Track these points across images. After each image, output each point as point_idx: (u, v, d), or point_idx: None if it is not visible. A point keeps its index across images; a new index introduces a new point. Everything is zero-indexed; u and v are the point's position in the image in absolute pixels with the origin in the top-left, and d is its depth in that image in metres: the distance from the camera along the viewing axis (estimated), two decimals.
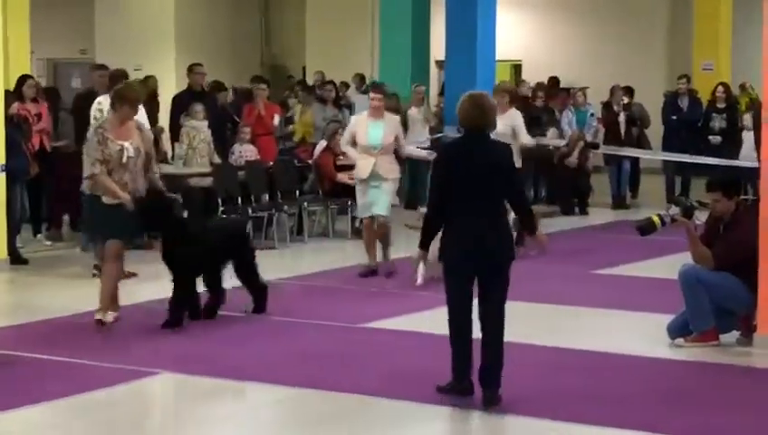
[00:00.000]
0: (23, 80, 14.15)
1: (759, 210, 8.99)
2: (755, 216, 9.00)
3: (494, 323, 7.42)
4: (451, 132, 18.86)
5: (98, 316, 9.42)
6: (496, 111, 7.77)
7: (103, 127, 9.48)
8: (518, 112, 13.22)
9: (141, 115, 11.15)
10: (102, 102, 11.60)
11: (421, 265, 10.79)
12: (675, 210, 9.03)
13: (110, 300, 9.54)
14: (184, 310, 9.53)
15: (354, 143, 11.87)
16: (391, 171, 11.81)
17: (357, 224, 13.15)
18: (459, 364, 7.47)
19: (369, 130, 11.72)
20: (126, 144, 9.41)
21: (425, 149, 14.29)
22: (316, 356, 8.74)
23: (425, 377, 7.93)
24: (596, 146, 18.65)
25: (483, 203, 7.38)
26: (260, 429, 7.22)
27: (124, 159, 9.38)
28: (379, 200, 11.76)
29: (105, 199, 9.40)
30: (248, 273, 10.07)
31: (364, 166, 11.72)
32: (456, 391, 7.47)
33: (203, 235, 9.77)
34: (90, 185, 9.50)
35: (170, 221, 9.56)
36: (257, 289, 10.12)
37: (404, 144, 12.19)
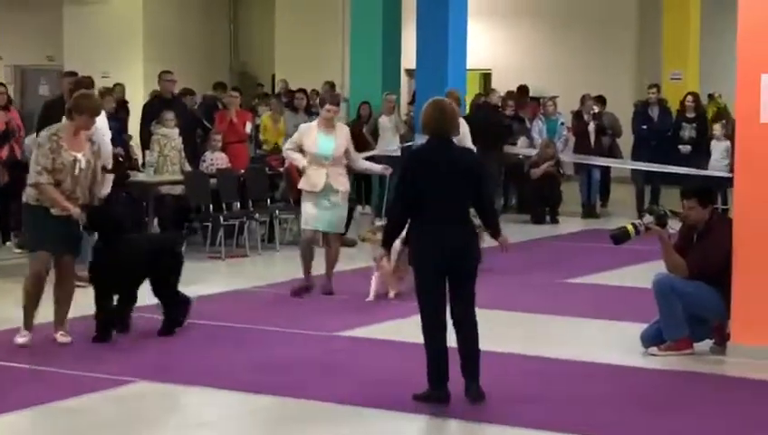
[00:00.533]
0: None
1: (732, 220, 9.08)
2: (729, 225, 9.08)
3: (467, 317, 7.51)
4: (421, 140, 18.94)
5: (63, 338, 9.14)
6: (458, 115, 7.83)
7: (58, 135, 9.03)
8: (463, 121, 13.13)
9: (102, 122, 11.15)
10: None
11: (374, 280, 11.04)
12: (649, 219, 9.08)
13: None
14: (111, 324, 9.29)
15: (300, 151, 11.58)
16: (342, 183, 11.56)
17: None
18: (435, 371, 7.50)
19: (319, 141, 11.42)
20: (79, 156, 9.01)
21: (390, 158, 14.14)
22: (290, 364, 8.73)
23: (399, 385, 7.96)
24: (561, 174, 18.77)
25: (450, 207, 7.48)
26: None
27: (77, 172, 8.99)
28: (332, 217, 11.50)
29: (54, 211, 8.97)
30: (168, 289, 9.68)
31: (317, 177, 11.38)
32: (433, 399, 7.49)
33: (134, 249, 9.40)
34: (35, 195, 9.02)
35: (112, 233, 9.19)
36: (176, 304, 9.71)
37: (356, 157, 11.94)
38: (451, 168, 7.51)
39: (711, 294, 8.97)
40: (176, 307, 9.64)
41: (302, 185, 11.67)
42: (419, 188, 7.46)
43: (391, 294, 11.23)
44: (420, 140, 18.64)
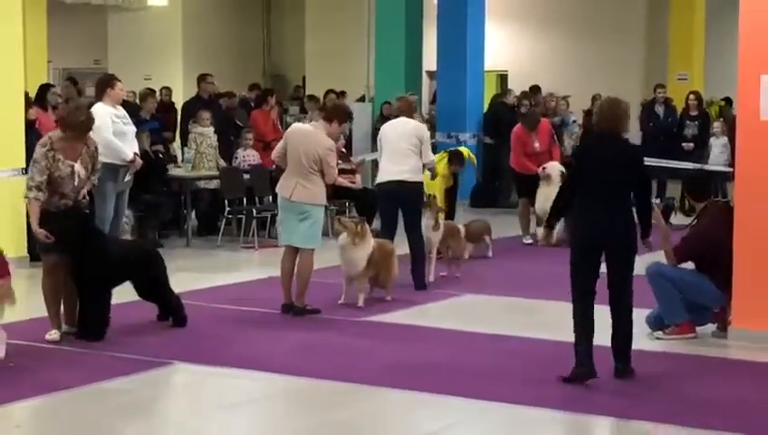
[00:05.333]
0: (45, 88, 14.14)
1: (731, 210, 9.05)
2: (718, 212, 9.11)
3: (619, 303, 7.83)
4: (441, 138, 18.91)
5: (52, 335, 8.83)
6: (622, 115, 7.80)
7: (53, 147, 8.61)
8: (421, 125, 12.07)
9: (123, 111, 11.46)
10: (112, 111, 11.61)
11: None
12: (658, 203, 9.28)
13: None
14: (105, 322, 8.89)
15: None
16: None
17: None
18: (579, 342, 7.63)
19: None
20: (76, 166, 8.72)
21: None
22: (322, 348, 8.75)
23: (428, 368, 8.00)
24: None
25: (611, 195, 7.66)
26: (271, 415, 7.20)
27: (76, 181, 8.73)
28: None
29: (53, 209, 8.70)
30: (154, 292, 9.38)
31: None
32: (579, 377, 7.54)
33: (112, 252, 8.97)
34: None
35: (82, 237, 8.74)
36: (167, 306, 9.44)
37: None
38: (616, 159, 7.66)
39: (702, 281, 8.95)
40: (174, 302, 9.41)
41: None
42: (585, 176, 7.64)
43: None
44: (441, 138, 18.67)
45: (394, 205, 11.16)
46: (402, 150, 11.04)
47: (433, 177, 12.30)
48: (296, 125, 10.61)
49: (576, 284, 7.70)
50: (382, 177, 11.25)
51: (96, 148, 9.12)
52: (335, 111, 10.38)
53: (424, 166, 11.20)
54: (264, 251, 13.73)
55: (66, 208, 8.75)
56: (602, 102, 7.94)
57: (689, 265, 9.18)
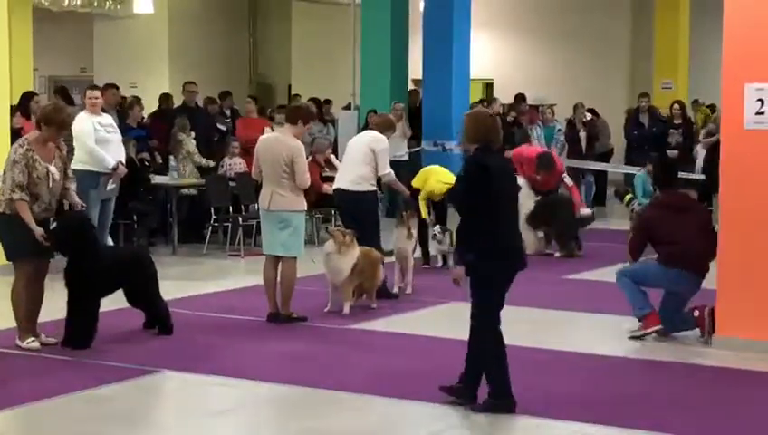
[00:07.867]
0: (29, 96, 14.10)
1: (681, 194, 9.67)
2: (663, 197, 9.48)
3: None
4: (428, 146, 18.94)
5: (32, 343, 8.81)
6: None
7: (31, 149, 8.62)
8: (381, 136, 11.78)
9: (108, 120, 11.57)
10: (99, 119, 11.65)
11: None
12: (639, 208, 9.87)
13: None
14: (92, 329, 8.84)
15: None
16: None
17: None
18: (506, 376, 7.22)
19: None
20: (51, 167, 8.70)
21: (398, 162, 13.67)
22: (307, 355, 8.76)
23: (413, 375, 8.04)
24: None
25: (514, 211, 7.51)
26: (257, 423, 7.20)
27: (51, 183, 8.69)
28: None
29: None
30: (146, 297, 9.42)
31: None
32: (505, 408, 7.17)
33: (105, 259, 9.04)
34: (9, 206, 8.62)
35: (79, 242, 8.75)
36: (156, 312, 9.47)
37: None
38: (512, 173, 7.60)
39: (654, 266, 9.23)
40: (163, 309, 9.43)
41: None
42: (496, 194, 7.07)
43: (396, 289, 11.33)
44: (427, 145, 18.70)
45: (343, 211, 11.40)
46: (351, 160, 11.15)
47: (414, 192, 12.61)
48: (263, 136, 10.50)
49: (497, 313, 7.24)
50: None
51: (68, 152, 9.16)
52: (296, 112, 10.29)
53: (379, 179, 11.13)
54: (251, 259, 13.72)
55: (63, 211, 8.82)
56: (477, 116, 7.31)
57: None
